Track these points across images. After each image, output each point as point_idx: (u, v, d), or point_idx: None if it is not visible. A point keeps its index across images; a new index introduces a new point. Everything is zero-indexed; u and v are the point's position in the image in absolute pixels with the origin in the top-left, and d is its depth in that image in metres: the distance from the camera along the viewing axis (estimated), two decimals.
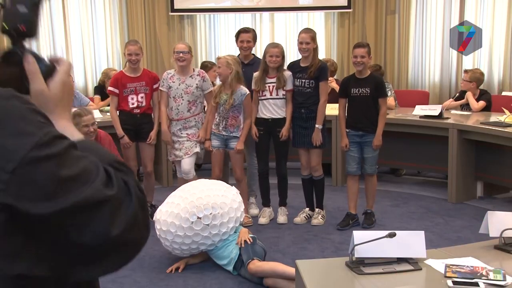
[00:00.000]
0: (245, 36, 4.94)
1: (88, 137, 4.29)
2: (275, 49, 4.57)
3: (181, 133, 4.69)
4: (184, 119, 4.67)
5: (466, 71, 6.04)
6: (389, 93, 6.16)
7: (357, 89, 4.48)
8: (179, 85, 4.65)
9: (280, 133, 4.60)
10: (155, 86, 4.77)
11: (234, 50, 8.07)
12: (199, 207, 3.69)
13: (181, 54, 4.61)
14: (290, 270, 3.34)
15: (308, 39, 4.51)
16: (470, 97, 5.89)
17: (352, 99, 4.54)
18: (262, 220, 4.80)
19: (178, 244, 3.74)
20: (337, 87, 5.40)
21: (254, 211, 4.94)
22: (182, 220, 3.68)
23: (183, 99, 4.64)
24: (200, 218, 3.68)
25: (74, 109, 4.36)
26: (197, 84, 4.65)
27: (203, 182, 3.99)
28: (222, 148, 4.71)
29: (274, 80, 4.60)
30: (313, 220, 4.73)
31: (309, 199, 4.83)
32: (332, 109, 5.66)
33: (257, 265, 3.54)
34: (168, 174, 5.85)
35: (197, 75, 4.70)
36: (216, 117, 4.67)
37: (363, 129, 4.51)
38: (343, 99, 4.60)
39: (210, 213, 3.69)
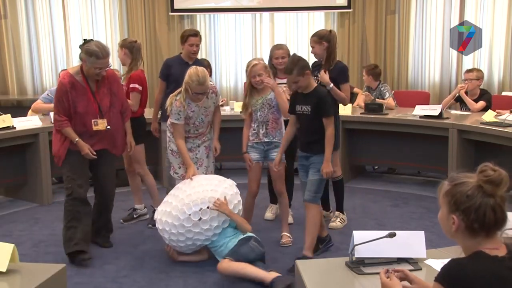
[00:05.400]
0: (194, 40, 4.88)
1: (96, 77, 3.96)
2: (280, 51, 4.57)
3: (199, 149, 4.27)
4: (202, 134, 4.27)
5: (470, 70, 6.01)
6: (387, 94, 6.19)
7: (301, 107, 3.81)
8: (199, 110, 4.16)
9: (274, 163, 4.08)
10: (131, 86, 4.63)
11: (234, 50, 8.11)
12: (188, 204, 3.72)
13: (200, 96, 4.08)
14: (263, 274, 3.43)
15: (312, 43, 4.47)
16: (466, 98, 5.89)
17: (298, 118, 3.87)
18: (268, 215, 4.81)
19: (175, 241, 3.80)
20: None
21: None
22: (174, 219, 3.73)
23: (203, 123, 4.22)
24: (190, 215, 3.70)
25: (93, 47, 3.88)
26: (214, 102, 4.24)
27: (197, 179, 3.98)
28: (261, 161, 4.30)
29: (285, 80, 4.56)
30: (331, 223, 4.61)
31: (323, 199, 4.75)
32: None
33: (225, 265, 3.56)
34: (169, 174, 5.84)
35: (211, 92, 4.20)
36: (252, 125, 4.30)
37: (308, 151, 3.82)
38: (292, 115, 3.93)
39: (200, 209, 3.71)
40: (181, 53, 4.99)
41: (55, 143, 4.06)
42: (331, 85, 4.37)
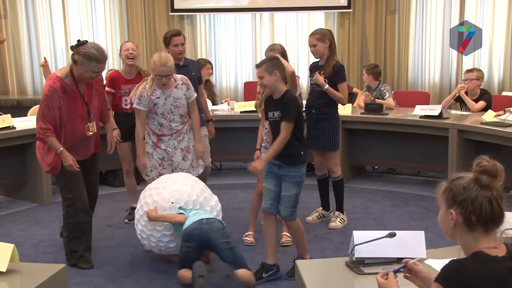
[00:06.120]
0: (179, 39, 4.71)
1: (89, 80, 3.78)
2: (270, 53, 4.37)
3: (175, 151, 4.20)
4: (177, 132, 4.21)
5: (470, 70, 6.02)
6: (387, 94, 6.19)
7: (272, 113, 3.59)
8: (166, 99, 4.11)
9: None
10: None
11: (234, 50, 8.11)
12: (138, 221, 3.86)
13: (164, 79, 4.05)
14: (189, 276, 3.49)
15: (313, 41, 4.45)
16: (466, 98, 5.89)
17: (270, 125, 3.72)
18: None
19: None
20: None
21: None
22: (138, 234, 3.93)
23: (174, 114, 4.15)
24: (141, 232, 3.83)
25: (92, 50, 3.68)
26: (185, 94, 4.17)
27: (161, 179, 4.01)
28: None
29: None
30: (331, 223, 4.63)
31: (323, 199, 4.78)
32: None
33: (179, 277, 3.63)
34: None
35: (182, 84, 4.18)
36: (265, 125, 4.19)
37: (281, 160, 3.55)
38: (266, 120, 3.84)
39: (143, 226, 3.80)
40: None
41: (46, 153, 3.81)
42: (326, 86, 4.39)
